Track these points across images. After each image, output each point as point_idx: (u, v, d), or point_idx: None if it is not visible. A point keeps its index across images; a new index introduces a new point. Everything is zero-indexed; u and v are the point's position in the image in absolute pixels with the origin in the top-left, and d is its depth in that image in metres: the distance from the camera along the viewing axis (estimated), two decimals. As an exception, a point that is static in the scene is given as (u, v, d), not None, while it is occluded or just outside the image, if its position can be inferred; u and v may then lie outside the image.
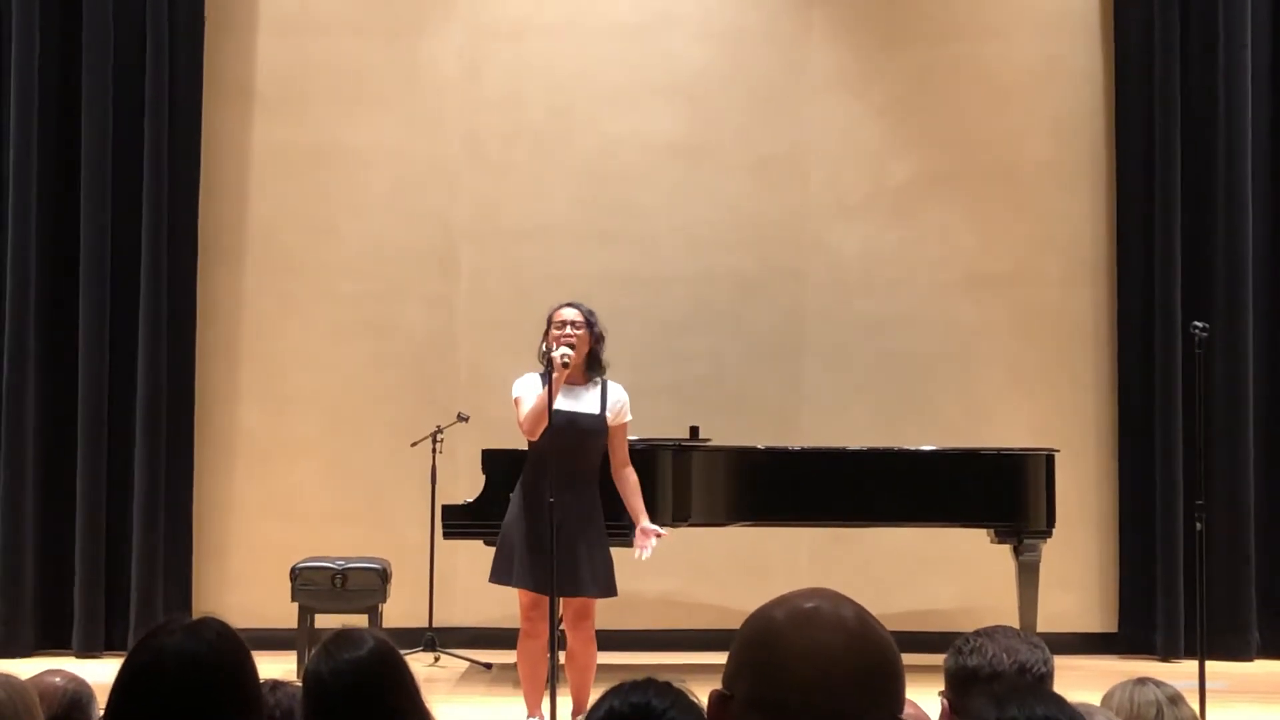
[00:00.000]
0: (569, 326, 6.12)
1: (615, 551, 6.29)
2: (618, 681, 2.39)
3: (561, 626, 6.26)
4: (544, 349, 6.11)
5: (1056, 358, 9.14)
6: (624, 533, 6.47)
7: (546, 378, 6.01)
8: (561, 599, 6.13)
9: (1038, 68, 9.22)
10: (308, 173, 9.04)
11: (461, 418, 8.37)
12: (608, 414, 6.18)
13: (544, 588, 5.93)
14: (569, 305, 6.24)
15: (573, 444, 6.02)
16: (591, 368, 6.22)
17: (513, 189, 9.11)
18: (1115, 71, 9.13)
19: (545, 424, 5.89)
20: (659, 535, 6.27)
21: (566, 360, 5.97)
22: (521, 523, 6.12)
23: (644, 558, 6.27)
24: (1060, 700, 2.19)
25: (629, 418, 6.30)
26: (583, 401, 6.15)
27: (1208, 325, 6.60)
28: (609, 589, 6.19)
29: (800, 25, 9.21)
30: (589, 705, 3.08)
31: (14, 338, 8.54)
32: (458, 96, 9.12)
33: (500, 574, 6.18)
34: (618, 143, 9.13)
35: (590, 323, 6.20)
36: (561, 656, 6.18)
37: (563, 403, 5.99)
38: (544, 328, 6.21)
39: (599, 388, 6.22)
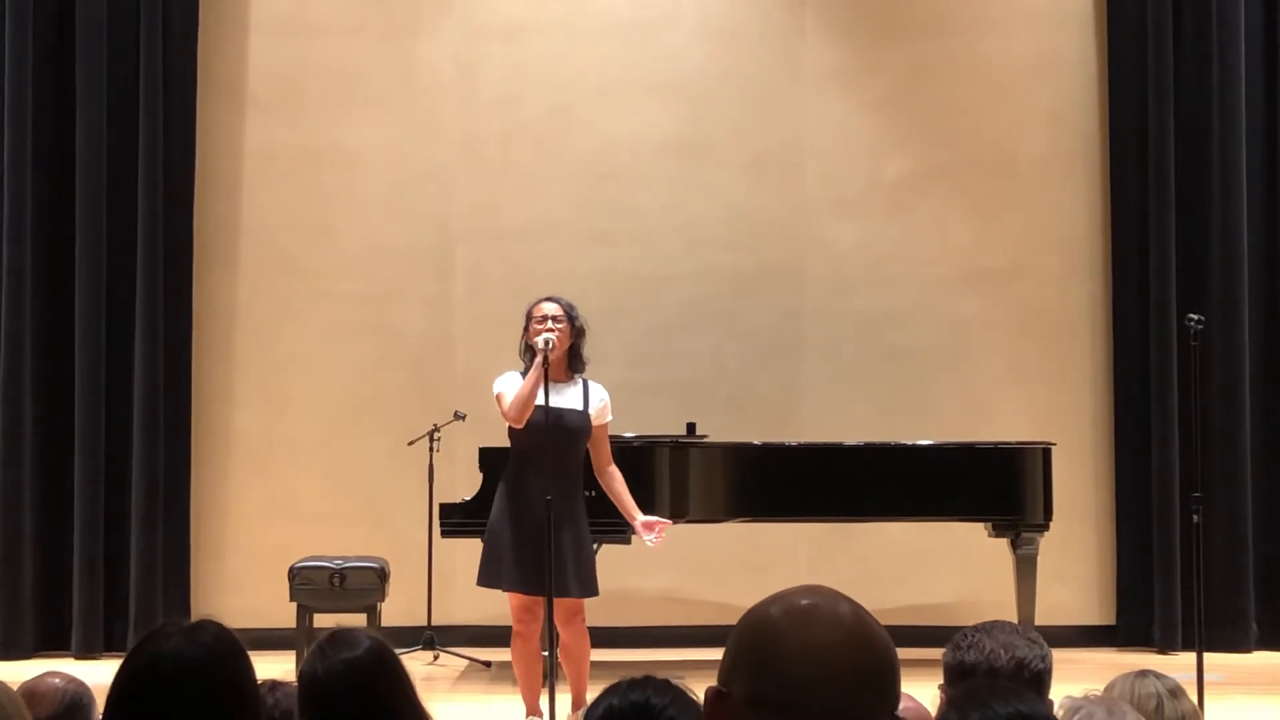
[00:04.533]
0: (550, 320, 6.09)
1: (613, 549, 6.29)
2: (616, 679, 2.38)
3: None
4: (525, 344, 6.11)
5: (1053, 352, 9.13)
6: (613, 530, 6.44)
7: (528, 373, 6.01)
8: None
9: (1032, 62, 9.22)
10: (303, 174, 9.03)
11: (459, 416, 8.37)
12: (591, 412, 6.16)
13: (534, 589, 5.93)
14: (548, 300, 6.18)
15: (559, 440, 5.96)
16: (573, 363, 6.20)
17: (509, 189, 9.10)
18: (1109, 65, 9.12)
19: (531, 409, 5.89)
20: (663, 523, 6.26)
21: (551, 343, 5.94)
22: (507, 522, 6.08)
23: (653, 544, 6.25)
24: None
25: (610, 418, 6.29)
26: (566, 398, 6.11)
27: (1204, 317, 6.59)
28: (591, 588, 6.16)
29: (794, 22, 9.20)
30: (588, 699, 3.10)
31: (10, 341, 8.53)
32: (453, 97, 9.11)
33: (489, 577, 6.14)
34: (614, 142, 9.13)
35: (571, 316, 6.15)
36: (557, 653, 6.18)
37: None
38: (524, 324, 6.19)
39: (580, 385, 6.19)
